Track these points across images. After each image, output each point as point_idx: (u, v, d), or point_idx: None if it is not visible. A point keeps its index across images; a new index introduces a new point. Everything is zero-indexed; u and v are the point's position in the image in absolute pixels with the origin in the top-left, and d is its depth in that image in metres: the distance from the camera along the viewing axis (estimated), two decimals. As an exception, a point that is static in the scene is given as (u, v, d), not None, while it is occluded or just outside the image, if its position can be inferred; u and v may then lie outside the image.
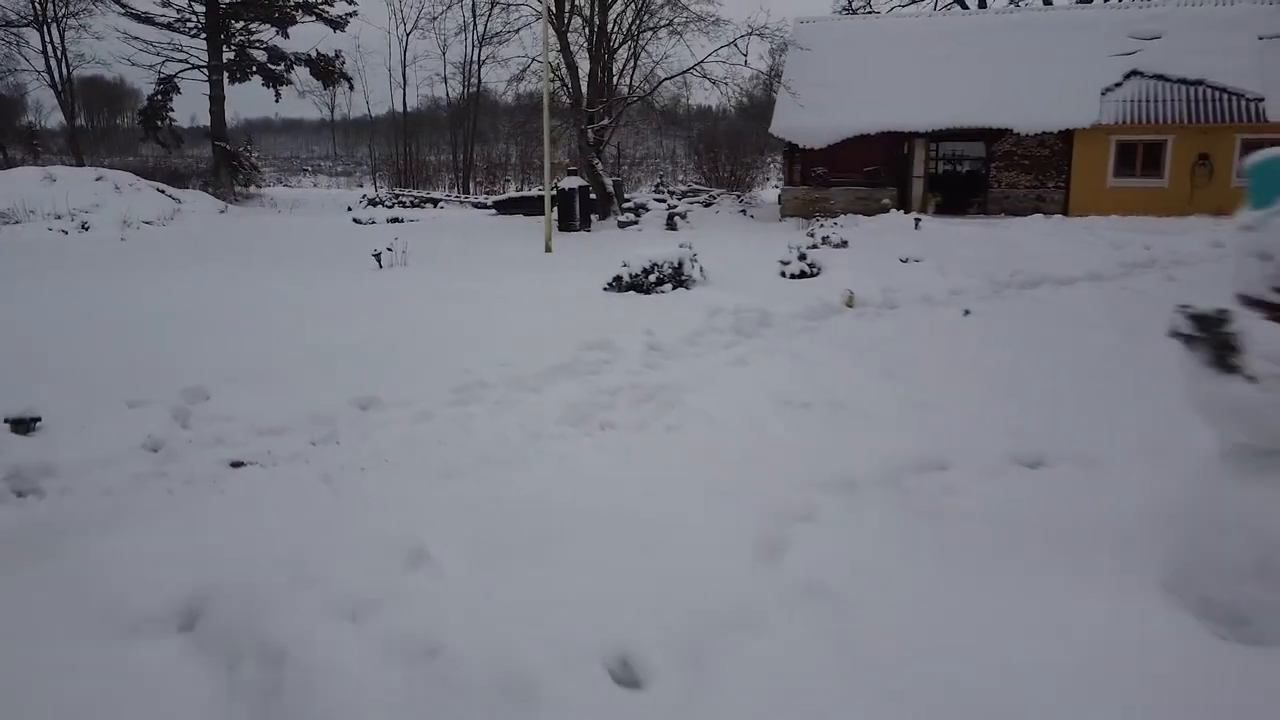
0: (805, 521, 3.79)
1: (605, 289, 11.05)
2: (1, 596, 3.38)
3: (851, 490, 4.19)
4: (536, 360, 6.93)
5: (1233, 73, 21.19)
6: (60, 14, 37.71)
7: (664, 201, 25.82)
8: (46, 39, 37.85)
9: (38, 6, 36.86)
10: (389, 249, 13.94)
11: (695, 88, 44.72)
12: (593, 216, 23.27)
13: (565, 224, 21.56)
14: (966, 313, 9.23)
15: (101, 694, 2.79)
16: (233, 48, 35.44)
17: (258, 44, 36.05)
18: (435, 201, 33.09)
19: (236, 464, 4.91)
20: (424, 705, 2.58)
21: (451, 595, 3.19)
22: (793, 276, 12.00)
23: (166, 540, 3.76)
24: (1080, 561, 3.32)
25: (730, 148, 33.17)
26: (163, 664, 2.95)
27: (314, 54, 36.24)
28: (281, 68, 36.12)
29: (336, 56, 36.59)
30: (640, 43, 26.26)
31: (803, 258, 12.31)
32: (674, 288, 10.98)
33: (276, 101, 37.68)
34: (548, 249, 16.83)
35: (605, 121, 25.68)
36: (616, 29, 25.77)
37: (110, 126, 58.86)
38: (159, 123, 35.70)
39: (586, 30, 25.58)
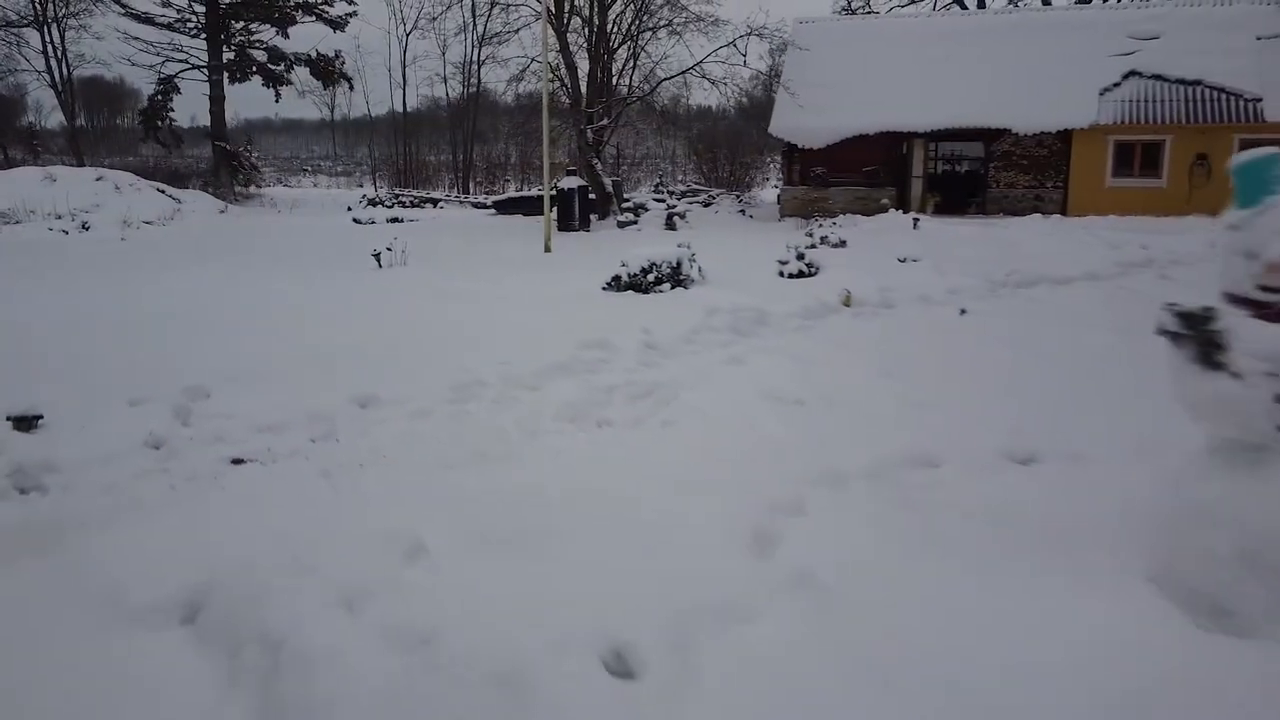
0: (796, 515, 3.84)
1: (604, 288, 11.10)
2: (5, 590, 3.43)
3: (843, 485, 4.24)
4: (534, 359, 6.98)
5: (1231, 73, 21.24)
6: (60, 14, 37.82)
7: (663, 201, 25.88)
8: (46, 39, 37.96)
9: (38, 6, 36.94)
10: (388, 249, 13.99)
11: (695, 88, 44.83)
12: (592, 216, 23.32)
13: (564, 224, 21.61)
14: (963, 312, 9.28)
15: (104, 683, 2.84)
16: (233, 48, 35.49)
17: (258, 44, 36.11)
18: (435, 201, 33.15)
19: (237, 460, 4.96)
20: (419, 692, 2.63)
21: (448, 586, 3.24)
22: (790, 276, 12.05)
23: (168, 535, 3.81)
24: (1068, 555, 3.37)
25: (729, 148, 33.24)
26: (165, 654, 3.00)
27: (314, 54, 36.32)
28: (281, 68, 36.18)
29: (336, 56, 36.67)
30: (639, 43, 26.34)
31: (801, 257, 12.36)
32: (672, 287, 11.03)
33: (276, 101, 37.80)
34: (547, 249, 16.88)
35: (604, 122, 25.73)
36: (616, 29, 25.85)
37: (110, 126, 58.92)
38: (159, 123, 35.75)
39: (586, 30, 25.65)
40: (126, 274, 13.10)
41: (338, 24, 36.18)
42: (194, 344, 7.87)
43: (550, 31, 20.39)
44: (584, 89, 25.15)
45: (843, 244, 15.71)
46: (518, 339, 7.84)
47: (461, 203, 33.81)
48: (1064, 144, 22.42)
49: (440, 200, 33.58)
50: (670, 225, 22.27)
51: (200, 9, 34.16)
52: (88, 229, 21.20)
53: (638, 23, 25.73)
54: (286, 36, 36.30)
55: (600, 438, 5.25)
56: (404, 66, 49.65)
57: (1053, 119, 21.95)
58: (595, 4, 25.01)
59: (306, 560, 3.42)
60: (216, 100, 35.10)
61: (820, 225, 19.15)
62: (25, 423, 5.37)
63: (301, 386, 6.27)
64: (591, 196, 23.56)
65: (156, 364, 7.02)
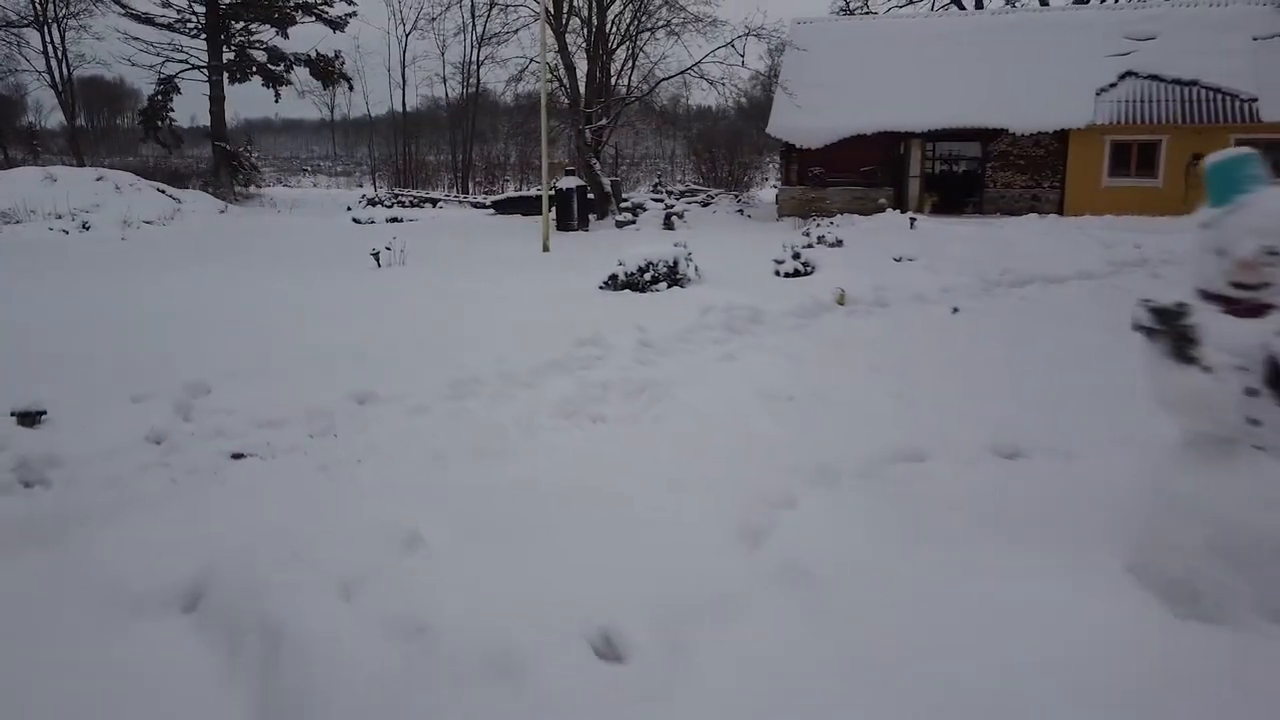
0: (786, 508, 3.91)
1: (601, 287, 11.18)
2: (10, 582, 3.51)
3: (832, 479, 4.32)
4: (531, 357, 7.06)
5: (1227, 73, 21.33)
6: (60, 14, 37.92)
7: (661, 201, 25.96)
8: (47, 39, 38.06)
9: (38, 7, 37.04)
10: (387, 248, 14.07)
11: (693, 88, 44.77)
12: (591, 216, 23.41)
13: (563, 224, 21.70)
14: (955, 310, 9.36)
15: (107, 672, 2.91)
16: (233, 48, 35.58)
17: (258, 44, 36.20)
18: (434, 201, 33.23)
19: (237, 455, 5.04)
20: (415, 676, 2.71)
21: (443, 576, 3.32)
22: (786, 275, 12.14)
23: (169, 527, 3.89)
24: (1050, 546, 3.44)
25: (728, 148, 33.34)
26: (166, 643, 3.07)
27: (314, 54, 36.41)
28: (281, 68, 36.26)
29: (336, 57, 36.77)
30: (638, 43, 26.46)
31: (796, 256, 12.45)
32: (669, 286, 11.11)
33: (276, 102, 37.87)
34: (545, 248, 16.96)
35: (603, 122, 25.83)
36: (614, 30, 25.95)
37: (110, 126, 58.99)
38: (159, 123, 35.84)
39: (585, 31, 25.75)
40: (127, 274, 13.19)
41: (337, 24, 36.27)
42: (194, 343, 7.96)
43: (549, 32, 20.47)
44: (583, 89, 25.24)
45: (839, 243, 15.80)
46: (515, 337, 7.92)
47: (461, 203, 33.88)
48: (1061, 144, 22.51)
49: (439, 200, 33.66)
50: (668, 225, 22.36)
51: (200, 9, 34.24)
52: (88, 229, 21.29)
53: (636, 23, 25.85)
54: (286, 37, 36.41)
55: (595, 434, 5.33)
56: (403, 66, 49.69)
57: (1049, 119, 22.05)
58: (594, 4, 25.11)
59: (305, 552, 3.49)
60: (216, 100, 35.19)
61: (817, 225, 19.24)
62: (29, 418, 5.46)
63: (301, 384, 6.35)
64: (590, 196, 23.64)
65: (157, 362, 7.10)
